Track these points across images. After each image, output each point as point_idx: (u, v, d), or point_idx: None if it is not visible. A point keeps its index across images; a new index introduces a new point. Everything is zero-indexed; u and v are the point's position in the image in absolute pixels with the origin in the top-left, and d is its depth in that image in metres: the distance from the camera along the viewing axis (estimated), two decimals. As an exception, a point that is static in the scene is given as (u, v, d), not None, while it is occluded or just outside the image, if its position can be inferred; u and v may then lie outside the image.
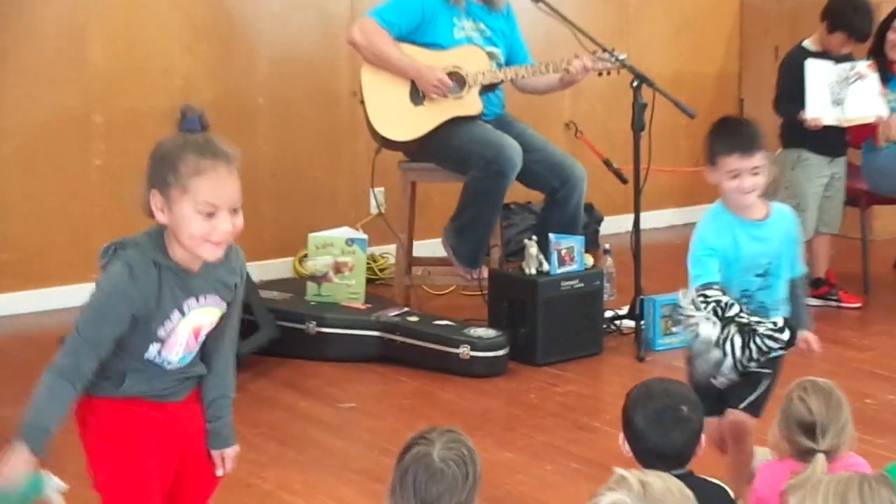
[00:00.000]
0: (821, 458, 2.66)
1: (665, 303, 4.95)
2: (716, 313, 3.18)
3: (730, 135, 3.30)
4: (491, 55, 5.20)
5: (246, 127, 5.73)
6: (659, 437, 2.69)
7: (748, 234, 3.29)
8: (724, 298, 3.19)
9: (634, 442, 2.75)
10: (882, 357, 4.80)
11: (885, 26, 5.50)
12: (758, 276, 3.32)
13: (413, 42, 5.15)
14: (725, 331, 3.12)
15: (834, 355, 4.81)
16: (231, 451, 2.57)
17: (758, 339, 3.10)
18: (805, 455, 2.67)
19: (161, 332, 2.36)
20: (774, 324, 3.16)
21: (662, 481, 2.08)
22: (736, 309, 3.17)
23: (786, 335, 3.13)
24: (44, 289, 5.44)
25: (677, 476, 2.37)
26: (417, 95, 5.16)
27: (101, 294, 2.36)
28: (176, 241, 2.33)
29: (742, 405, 3.22)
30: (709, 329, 3.13)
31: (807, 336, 3.42)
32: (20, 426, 2.32)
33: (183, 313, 2.38)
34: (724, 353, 3.13)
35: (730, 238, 3.28)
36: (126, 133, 5.57)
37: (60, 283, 5.41)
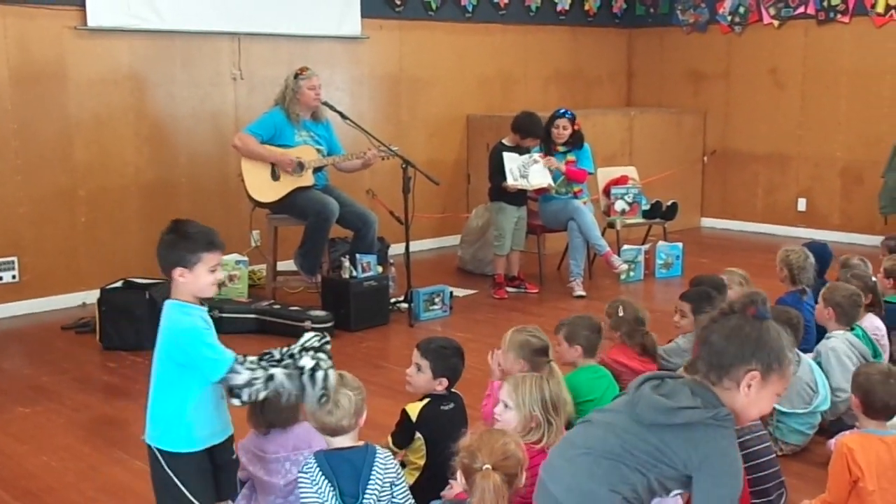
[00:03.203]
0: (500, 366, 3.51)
1: (426, 293, 6.08)
2: (262, 360, 2.81)
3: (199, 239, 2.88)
4: (319, 150, 6.29)
5: (173, 198, 6.89)
6: (450, 365, 3.34)
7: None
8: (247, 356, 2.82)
9: (440, 371, 3.27)
10: (550, 319, 5.21)
11: (549, 126, 6.93)
12: None
13: (272, 144, 6.18)
14: (308, 366, 2.78)
15: (523, 318, 5.93)
16: None
17: (321, 354, 2.81)
18: (538, 367, 3.25)
19: None
20: (318, 338, 2.87)
21: (349, 376, 2.82)
22: (276, 354, 2.85)
23: (326, 337, 2.89)
24: (45, 297, 6.57)
25: (453, 391, 3.25)
26: (275, 175, 6.14)
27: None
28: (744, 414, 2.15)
29: None
30: (283, 378, 2.77)
31: None
32: None
33: None
34: (314, 381, 2.77)
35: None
36: (99, 201, 6.74)
37: (56, 294, 6.60)
